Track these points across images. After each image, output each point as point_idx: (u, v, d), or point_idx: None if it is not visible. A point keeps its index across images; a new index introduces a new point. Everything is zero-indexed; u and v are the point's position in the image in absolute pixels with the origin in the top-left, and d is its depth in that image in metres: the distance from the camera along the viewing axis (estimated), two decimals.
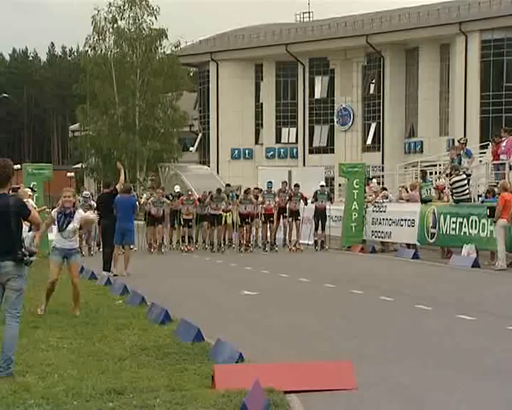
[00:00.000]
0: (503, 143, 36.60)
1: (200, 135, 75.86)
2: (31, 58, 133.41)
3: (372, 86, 68.48)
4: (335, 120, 70.51)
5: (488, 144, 41.23)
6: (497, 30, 58.23)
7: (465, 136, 51.19)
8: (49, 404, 9.89)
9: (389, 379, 12.34)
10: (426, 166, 42.16)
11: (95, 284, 25.00)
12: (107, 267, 26.63)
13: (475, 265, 27.16)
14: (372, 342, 14.97)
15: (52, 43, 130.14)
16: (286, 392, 10.96)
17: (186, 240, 39.55)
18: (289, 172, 54.52)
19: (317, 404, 10.75)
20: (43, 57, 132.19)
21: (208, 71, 74.51)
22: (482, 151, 42.07)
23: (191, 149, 75.59)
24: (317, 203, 37.12)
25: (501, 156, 35.21)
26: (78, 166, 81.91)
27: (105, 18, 71.03)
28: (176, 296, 21.23)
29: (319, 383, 11.62)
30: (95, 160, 73.10)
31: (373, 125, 68.74)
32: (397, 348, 14.69)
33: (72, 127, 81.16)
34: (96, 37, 71.63)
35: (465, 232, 29.80)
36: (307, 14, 75.40)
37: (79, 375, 11.83)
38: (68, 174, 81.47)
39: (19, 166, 66.38)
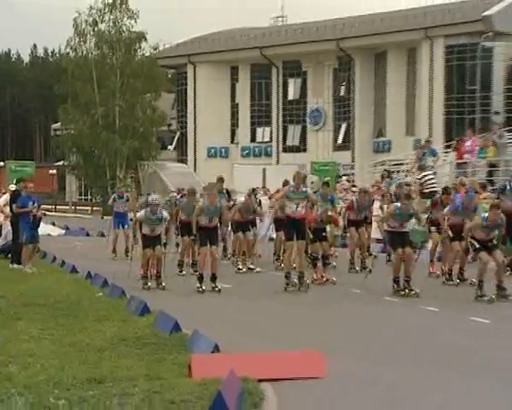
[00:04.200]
0: (468, 143, 36.83)
1: (177, 134, 75.92)
2: (13, 59, 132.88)
3: (343, 88, 68.65)
4: (308, 120, 70.69)
5: (452, 144, 41.41)
6: (460, 36, 58.49)
7: (430, 136, 51.59)
8: (32, 393, 9.75)
9: (359, 370, 12.41)
10: (393, 165, 42.28)
11: (76, 276, 24.99)
12: None
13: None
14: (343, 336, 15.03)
15: (34, 45, 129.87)
16: (260, 380, 10.98)
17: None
18: (264, 171, 54.63)
19: (290, 391, 10.78)
20: (26, 58, 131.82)
21: (186, 73, 74.54)
22: (446, 151, 42.23)
23: (169, 147, 75.71)
24: None
25: (465, 155, 35.39)
26: (60, 163, 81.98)
27: (86, 21, 71.52)
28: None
29: (292, 372, 11.68)
30: (76, 158, 73.49)
31: (343, 126, 68.96)
32: (368, 342, 14.73)
33: (54, 126, 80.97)
34: (78, 39, 72.11)
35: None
36: (281, 19, 74.84)
37: (60, 365, 11.80)
38: (50, 172, 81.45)
39: (2, 163, 66.20)
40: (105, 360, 12.46)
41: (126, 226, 30.67)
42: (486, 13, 57.64)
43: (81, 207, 72.18)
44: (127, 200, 32.15)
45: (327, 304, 19.68)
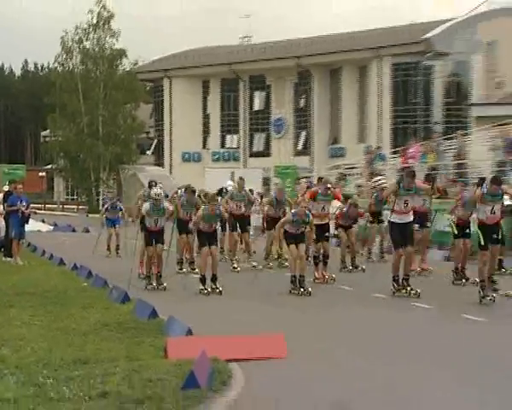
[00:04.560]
0: (411, 150, 37.16)
1: (155, 141, 75.86)
2: (7, 73, 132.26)
3: (302, 100, 68.64)
4: (271, 128, 70.61)
5: (398, 151, 41.80)
6: (405, 55, 59.09)
7: (379, 143, 51.96)
8: (22, 373, 9.97)
9: (319, 350, 12.52)
10: (347, 168, 42.47)
11: (63, 268, 24.96)
12: None
13: None
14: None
15: (26, 60, 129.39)
16: (228, 360, 11.15)
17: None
18: (232, 174, 54.50)
19: (254, 369, 11.03)
20: (18, 72, 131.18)
21: (162, 86, 74.45)
22: (394, 156, 42.48)
23: (148, 152, 75.56)
24: None
25: (409, 161, 35.65)
26: (49, 167, 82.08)
27: (72, 39, 71.40)
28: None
29: (256, 353, 11.86)
30: (63, 162, 73.73)
31: (303, 134, 68.96)
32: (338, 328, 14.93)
33: (43, 133, 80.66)
34: (65, 55, 72.23)
35: None
36: (248, 38, 74.87)
37: (49, 347, 11.94)
38: (40, 174, 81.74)
39: None
40: (89, 343, 12.60)
41: (118, 226, 30.06)
42: (427, 35, 58.17)
43: (68, 206, 71.98)
44: (120, 210, 30.85)
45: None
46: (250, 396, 10.03)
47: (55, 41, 71.63)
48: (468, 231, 21.23)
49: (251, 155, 70.79)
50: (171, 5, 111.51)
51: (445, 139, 40.61)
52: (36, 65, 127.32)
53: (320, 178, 24.85)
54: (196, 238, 20.93)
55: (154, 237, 20.64)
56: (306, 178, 44.29)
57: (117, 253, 29.40)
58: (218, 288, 19.00)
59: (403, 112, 60.03)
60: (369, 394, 10.12)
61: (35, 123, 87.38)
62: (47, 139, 77.57)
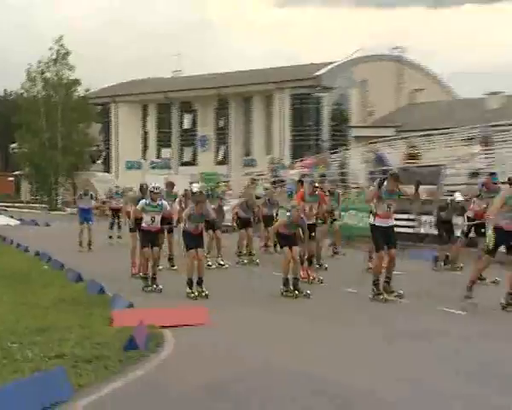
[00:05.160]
0: (305, 161, 37.71)
1: (104, 152, 75.31)
2: None
3: (222, 121, 68.76)
4: (197, 143, 70.73)
5: (296, 161, 42.34)
6: (301, 88, 60.12)
7: (281, 156, 52.60)
8: None
9: (239, 319, 12.62)
10: (257, 175, 42.61)
11: (28, 255, 24.74)
12: None
13: None
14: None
15: None
16: (161, 327, 11.20)
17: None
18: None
19: (182, 333, 11.28)
20: None
21: (110, 109, 73.96)
22: (292, 165, 43.01)
23: (97, 161, 74.86)
24: None
25: (304, 170, 36.01)
26: (17, 173, 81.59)
27: (36, 70, 70.83)
28: None
29: (185, 321, 11.91)
30: (28, 169, 73.17)
31: (222, 148, 69.11)
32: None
33: (12, 146, 79.09)
34: (29, 83, 71.51)
35: None
36: (179, 72, 74.78)
37: (16, 319, 11.91)
38: (9, 179, 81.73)
39: None
40: (49, 314, 12.55)
41: (91, 222, 26.58)
42: (317, 73, 59.63)
43: (32, 205, 70.96)
44: (91, 197, 27.75)
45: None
46: (179, 355, 10.12)
47: (21, 72, 71.63)
48: None
49: (181, 165, 70.63)
50: (120, 47, 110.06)
51: (331, 153, 41.39)
52: (5, 91, 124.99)
53: (300, 181, 20.87)
54: (182, 240, 16.89)
55: (150, 237, 16.80)
56: (225, 182, 44.21)
57: (89, 248, 26.27)
58: (204, 291, 15.34)
59: (299, 132, 60.80)
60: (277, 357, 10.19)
61: (5, 137, 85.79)
62: (15, 151, 76.43)
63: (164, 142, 73.13)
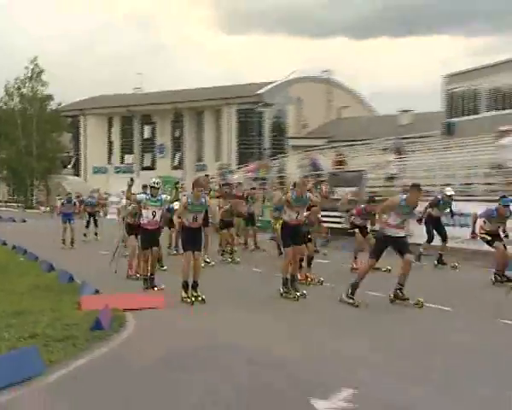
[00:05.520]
0: (250, 166, 37.76)
1: (74, 158, 74.53)
2: None
3: (177, 132, 68.44)
4: (156, 151, 70.32)
5: (241, 166, 42.44)
6: (246, 104, 60.27)
7: (229, 162, 52.61)
8: None
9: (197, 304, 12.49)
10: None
11: (5, 248, 24.47)
12: None
13: None
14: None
15: None
16: (124, 310, 11.20)
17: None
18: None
19: (141, 315, 11.25)
20: None
21: (79, 121, 73.14)
22: (238, 170, 42.99)
23: (68, 166, 74.02)
24: None
25: (249, 173, 36.05)
26: None
27: (13, 86, 70.32)
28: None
29: (144, 305, 11.95)
30: (7, 173, 72.24)
31: (178, 155, 68.73)
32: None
33: None
34: (7, 98, 70.98)
35: None
36: (139, 88, 74.26)
37: None
38: None
39: None
40: (24, 300, 12.45)
41: (72, 222, 25.49)
42: (259, 91, 59.77)
43: (10, 204, 69.98)
44: (74, 204, 26.63)
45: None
46: (139, 334, 10.13)
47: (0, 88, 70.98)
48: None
49: (142, 169, 69.99)
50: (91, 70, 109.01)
51: (271, 160, 41.60)
52: None
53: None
54: (180, 238, 14.69)
55: (150, 237, 14.77)
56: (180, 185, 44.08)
57: (72, 245, 25.08)
58: (199, 295, 12.84)
59: (244, 141, 60.91)
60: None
61: None
62: None
63: (127, 149, 72.56)
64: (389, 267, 16.02)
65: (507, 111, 32.56)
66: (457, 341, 9.66)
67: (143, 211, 14.82)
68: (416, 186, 12.63)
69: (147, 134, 71.41)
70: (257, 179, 35.51)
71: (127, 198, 16.80)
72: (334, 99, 63.47)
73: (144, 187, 18.32)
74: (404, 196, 12.50)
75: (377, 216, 13.33)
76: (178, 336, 9.97)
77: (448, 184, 20.40)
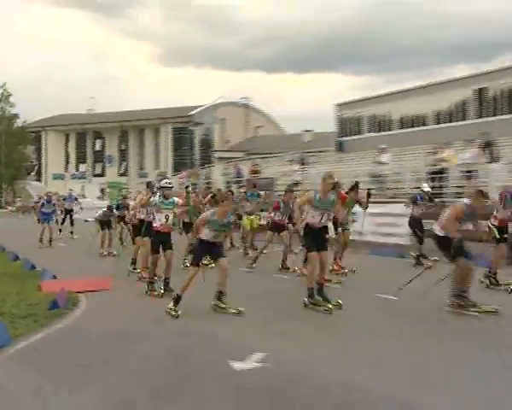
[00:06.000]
0: (182, 174, 37.49)
1: (36, 166, 72.53)
2: None
3: (123, 145, 67.64)
4: (105, 161, 69.11)
5: (176, 174, 42.12)
6: (179, 123, 60.03)
7: (166, 170, 52.21)
8: None
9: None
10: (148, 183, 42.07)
11: None
12: None
13: None
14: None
15: None
16: (77, 292, 11.06)
17: None
18: (82, 187, 52.92)
19: (92, 297, 11.01)
20: None
21: (41, 136, 71.25)
22: (174, 175, 42.74)
23: (32, 173, 71.93)
24: None
25: (181, 179, 35.70)
26: None
27: None
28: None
29: (94, 287, 11.78)
30: None
31: (124, 164, 67.82)
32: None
33: None
34: None
35: None
36: (92, 109, 72.91)
37: None
38: None
39: None
40: None
41: (51, 222, 22.44)
42: (191, 113, 59.50)
43: None
44: (53, 204, 23.51)
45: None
46: (90, 311, 10.02)
47: None
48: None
49: (94, 176, 68.80)
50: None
51: (200, 168, 41.49)
52: None
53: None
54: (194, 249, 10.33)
55: (161, 239, 11.40)
56: (125, 189, 43.51)
57: (50, 244, 21.92)
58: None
59: (178, 153, 60.58)
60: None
61: None
62: None
63: (81, 159, 71.10)
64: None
65: (382, 133, 33.64)
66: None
67: (156, 214, 11.62)
68: (482, 191, 9.86)
69: (98, 147, 70.18)
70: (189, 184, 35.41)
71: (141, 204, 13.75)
72: (251, 120, 64.16)
73: (149, 186, 14.39)
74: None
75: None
76: (122, 313, 9.91)
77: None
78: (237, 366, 6.76)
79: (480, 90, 29.38)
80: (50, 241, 22.15)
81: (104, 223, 19.18)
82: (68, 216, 26.28)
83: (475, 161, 20.03)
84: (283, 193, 16.08)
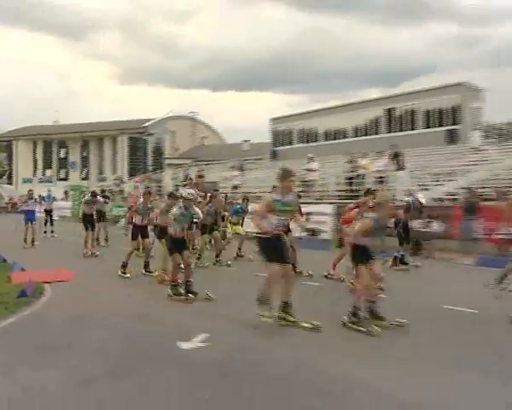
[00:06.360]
0: (137, 178, 36.82)
1: (7, 171, 69.93)
2: None
3: (85, 153, 65.65)
4: (69, 166, 67.19)
5: (131, 178, 41.35)
6: (135, 133, 59.24)
7: (122, 175, 51.33)
8: None
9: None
10: (109, 189, 41.16)
11: None
12: None
13: None
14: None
15: None
16: (43, 282, 10.76)
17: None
18: (49, 190, 51.08)
19: (56, 286, 10.58)
20: None
21: (12, 144, 68.72)
22: (131, 179, 41.96)
23: (4, 177, 69.33)
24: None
25: (137, 183, 35.05)
26: None
27: None
28: None
29: (58, 278, 11.47)
30: None
31: (85, 170, 65.91)
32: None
33: None
34: None
35: None
36: (57, 121, 70.83)
37: None
38: None
39: None
40: None
41: (34, 222, 19.66)
42: (145, 124, 58.47)
43: None
44: (35, 201, 21.28)
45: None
46: (55, 299, 9.76)
47: None
48: None
49: (59, 180, 66.61)
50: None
51: (153, 174, 40.97)
52: None
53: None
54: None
55: (179, 242, 9.78)
56: (86, 190, 42.46)
57: (32, 244, 19.12)
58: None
59: (133, 160, 59.07)
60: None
61: None
62: None
63: (47, 165, 68.68)
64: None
65: (310, 144, 34.08)
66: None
67: (173, 223, 9.81)
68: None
69: (62, 154, 68.09)
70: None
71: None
72: (198, 131, 64.01)
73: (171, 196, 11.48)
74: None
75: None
76: (83, 301, 9.68)
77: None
78: (184, 345, 6.74)
79: (389, 109, 30.30)
80: (33, 242, 19.32)
81: (88, 222, 16.46)
82: (48, 216, 23.52)
83: (386, 169, 20.60)
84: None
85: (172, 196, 11.40)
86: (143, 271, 12.50)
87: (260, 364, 6.14)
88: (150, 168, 55.23)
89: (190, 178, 18.91)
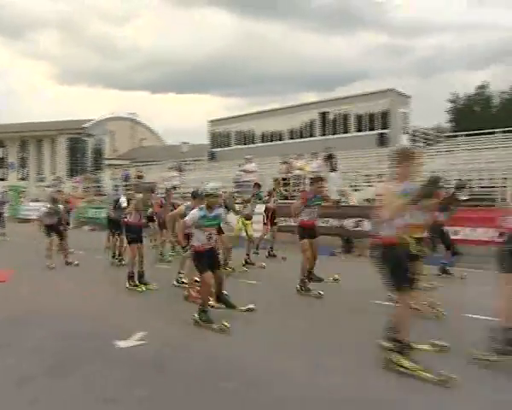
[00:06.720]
0: (77, 179, 35.83)
1: None
2: None
3: (24, 153, 63.29)
4: (8, 167, 64.45)
5: (71, 178, 40.20)
6: (75, 134, 57.63)
7: (62, 174, 49.80)
8: None
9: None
10: (46, 187, 39.82)
11: None
12: None
13: None
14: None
15: None
16: None
17: None
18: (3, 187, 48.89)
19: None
20: None
21: None
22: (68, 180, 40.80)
23: None
24: None
25: (77, 184, 34.12)
26: None
27: None
28: None
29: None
30: None
31: (25, 170, 63.52)
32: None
33: None
34: None
35: None
36: None
37: None
38: None
39: None
40: None
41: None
42: (84, 125, 56.93)
43: None
44: (7, 202, 19.20)
45: None
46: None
47: None
48: None
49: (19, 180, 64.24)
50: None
51: (92, 174, 40.11)
52: None
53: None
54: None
55: (207, 257, 7.18)
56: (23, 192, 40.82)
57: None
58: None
59: (73, 160, 57.26)
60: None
61: None
62: None
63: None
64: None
65: (247, 146, 34.42)
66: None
67: (195, 231, 7.30)
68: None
69: (1, 155, 65.38)
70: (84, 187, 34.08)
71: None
72: (137, 133, 63.11)
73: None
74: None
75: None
76: (20, 303, 9.42)
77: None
78: (121, 344, 6.73)
79: (324, 113, 31.01)
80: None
81: (51, 227, 13.20)
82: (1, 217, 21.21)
83: (320, 170, 21.10)
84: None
85: (197, 195, 8.54)
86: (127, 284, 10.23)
87: (194, 358, 6.23)
88: (89, 168, 53.95)
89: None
